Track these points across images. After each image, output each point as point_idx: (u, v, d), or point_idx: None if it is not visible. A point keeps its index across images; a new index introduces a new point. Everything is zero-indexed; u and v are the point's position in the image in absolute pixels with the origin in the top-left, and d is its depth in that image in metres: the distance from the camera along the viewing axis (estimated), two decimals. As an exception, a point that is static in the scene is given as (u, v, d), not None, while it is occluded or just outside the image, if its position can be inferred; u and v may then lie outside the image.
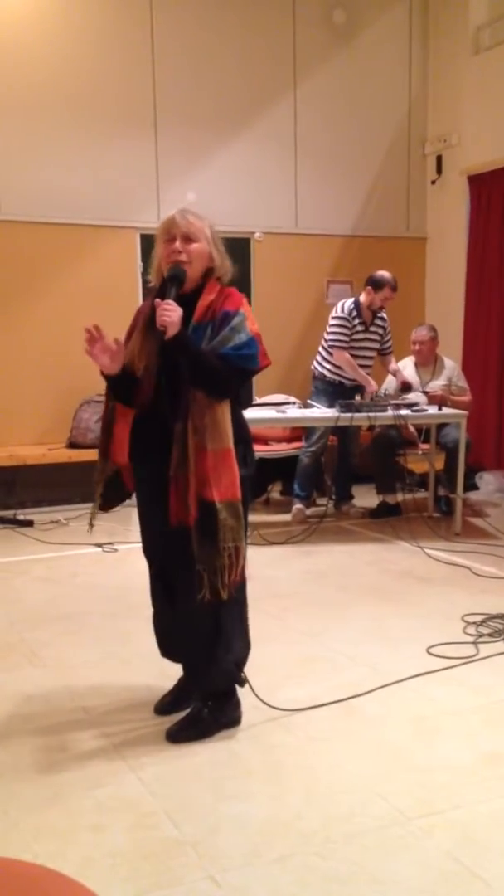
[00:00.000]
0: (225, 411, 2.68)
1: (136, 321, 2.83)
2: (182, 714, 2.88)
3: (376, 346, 6.19)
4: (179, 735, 2.77)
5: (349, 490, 6.41)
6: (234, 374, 2.68)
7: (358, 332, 6.04)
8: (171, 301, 2.61)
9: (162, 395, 2.71)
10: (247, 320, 2.70)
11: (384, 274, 6.01)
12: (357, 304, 6.04)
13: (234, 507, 2.65)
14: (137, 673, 3.29)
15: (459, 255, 7.57)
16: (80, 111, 6.65)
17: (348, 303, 6.07)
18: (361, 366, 6.05)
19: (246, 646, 2.90)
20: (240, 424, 2.80)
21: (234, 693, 2.88)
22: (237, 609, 2.83)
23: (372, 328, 6.12)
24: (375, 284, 6.00)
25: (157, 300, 2.62)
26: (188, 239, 2.70)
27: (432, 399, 5.86)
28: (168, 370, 2.69)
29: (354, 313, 6.01)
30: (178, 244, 2.69)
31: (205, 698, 2.85)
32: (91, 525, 3.00)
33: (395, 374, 6.17)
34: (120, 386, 2.75)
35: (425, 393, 5.99)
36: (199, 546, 2.63)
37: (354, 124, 7.61)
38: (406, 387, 5.94)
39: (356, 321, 6.02)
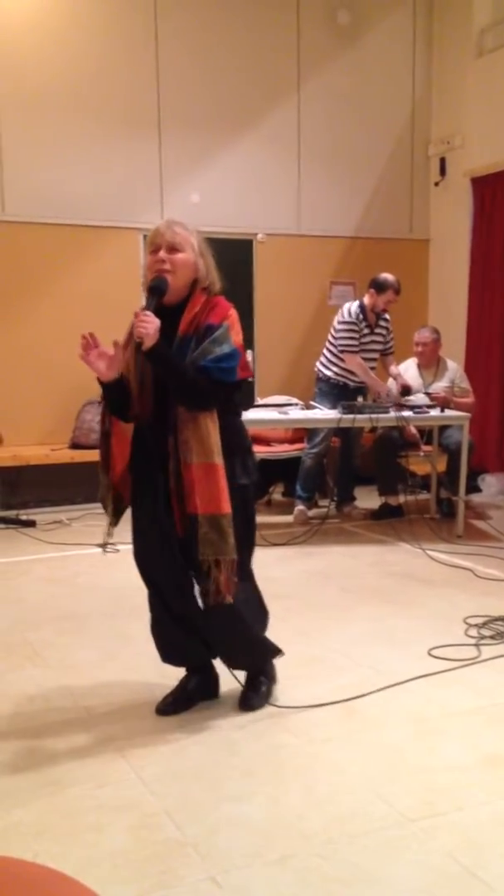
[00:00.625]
0: (210, 424, 2.67)
1: (131, 332, 2.79)
2: (183, 715, 2.91)
3: (380, 347, 6.20)
4: (254, 703, 2.94)
5: (351, 491, 6.41)
6: (213, 387, 2.68)
7: (364, 334, 6.06)
8: (148, 312, 2.61)
9: (157, 407, 2.72)
10: (231, 331, 2.70)
11: (388, 277, 6.02)
12: (362, 307, 6.05)
13: (216, 521, 2.66)
14: (139, 673, 3.29)
15: (462, 256, 7.56)
16: (84, 112, 6.65)
17: (354, 306, 6.07)
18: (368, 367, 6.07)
19: (265, 614, 3.02)
20: (235, 433, 2.81)
21: (274, 655, 3.04)
22: (249, 589, 2.93)
23: (377, 330, 6.13)
24: (379, 287, 6.00)
25: (136, 311, 2.63)
26: (173, 249, 2.71)
27: (435, 401, 5.86)
28: (158, 381, 2.71)
29: (361, 316, 6.02)
30: (161, 254, 2.71)
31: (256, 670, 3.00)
32: (106, 544, 3.03)
33: (395, 377, 6.17)
34: (115, 394, 2.74)
35: (428, 394, 5.99)
36: (185, 559, 2.74)
37: (358, 126, 7.61)
38: (406, 391, 5.94)
39: (363, 324, 6.03)
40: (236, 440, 2.81)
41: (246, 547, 2.87)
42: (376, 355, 6.20)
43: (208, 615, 2.81)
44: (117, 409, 2.77)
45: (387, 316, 6.20)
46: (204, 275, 2.75)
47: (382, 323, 6.17)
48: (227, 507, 2.67)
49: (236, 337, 2.72)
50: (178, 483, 2.69)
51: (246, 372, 2.79)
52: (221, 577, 2.69)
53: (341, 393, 6.02)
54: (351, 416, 5.44)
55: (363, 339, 6.05)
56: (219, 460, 2.66)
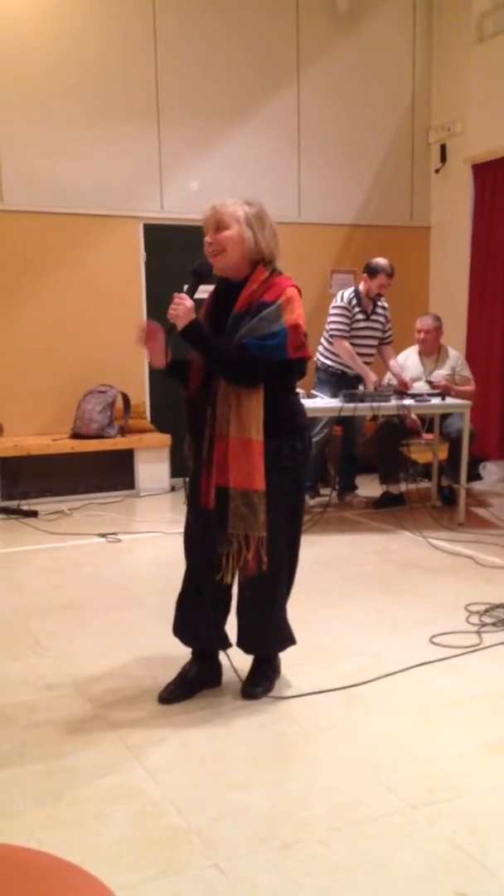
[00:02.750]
0: (253, 401, 2.69)
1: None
2: (187, 702, 2.92)
3: (378, 334, 6.17)
4: (257, 691, 2.94)
5: (353, 480, 6.41)
6: (253, 364, 2.69)
7: (359, 320, 6.03)
8: (182, 295, 2.67)
9: (204, 380, 2.79)
10: (283, 309, 2.70)
11: (380, 261, 5.99)
12: (357, 293, 6.03)
13: (248, 497, 2.68)
14: (142, 662, 3.30)
15: (463, 243, 7.54)
16: (83, 101, 6.63)
17: (348, 292, 6.06)
18: (363, 354, 6.05)
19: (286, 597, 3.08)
20: (288, 412, 2.83)
21: (287, 644, 3.07)
22: (290, 574, 2.99)
23: (373, 317, 6.10)
24: (371, 271, 5.98)
25: (175, 294, 2.68)
26: (218, 228, 2.73)
27: (436, 389, 5.85)
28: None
29: (354, 301, 6.00)
30: (208, 237, 2.75)
31: (264, 657, 3.03)
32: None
33: (396, 375, 6.12)
34: (173, 375, 2.84)
35: (430, 383, 5.98)
36: (216, 530, 2.74)
37: (358, 113, 7.58)
38: (403, 388, 5.84)
39: (356, 310, 6.01)
40: (286, 420, 2.81)
41: (289, 529, 2.88)
42: (374, 342, 6.17)
43: (242, 586, 2.86)
44: (185, 383, 2.86)
45: (385, 304, 6.18)
46: (252, 246, 2.73)
47: (380, 311, 6.15)
48: (261, 483, 2.68)
49: (289, 316, 2.70)
50: (209, 454, 2.72)
51: (301, 352, 2.75)
52: (250, 553, 2.71)
53: (341, 381, 6.01)
54: (352, 404, 5.43)
55: (357, 326, 6.03)
56: (258, 437, 2.68)
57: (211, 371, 2.76)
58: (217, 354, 2.70)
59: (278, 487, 2.75)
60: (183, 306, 2.65)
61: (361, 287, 6.04)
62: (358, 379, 6.04)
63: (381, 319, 6.17)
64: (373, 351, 6.18)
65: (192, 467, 2.88)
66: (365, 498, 6.29)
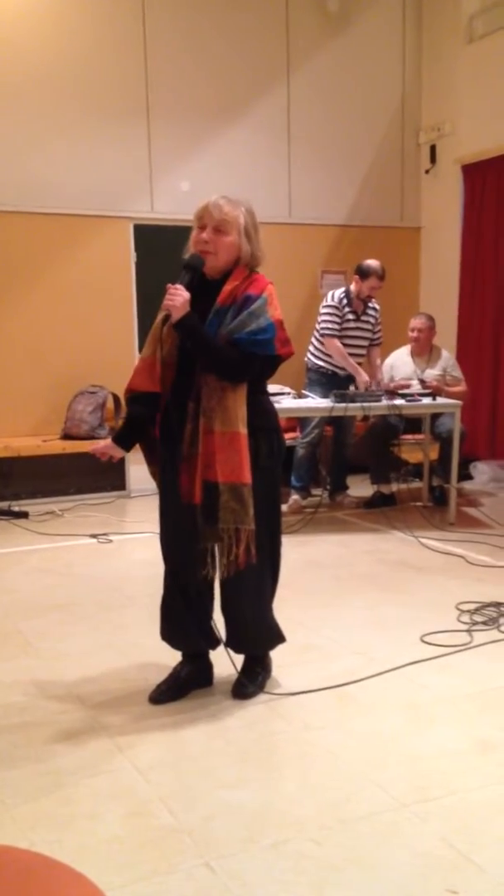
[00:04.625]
0: (237, 395, 2.70)
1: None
2: (176, 703, 2.92)
3: (368, 335, 6.18)
4: (248, 691, 2.94)
5: (344, 480, 6.42)
6: (246, 360, 2.69)
7: (349, 320, 6.04)
8: (178, 286, 2.66)
9: (179, 377, 2.76)
10: (268, 305, 2.72)
11: (371, 263, 6.00)
12: (348, 294, 6.04)
13: (237, 490, 2.67)
14: (133, 663, 3.30)
15: (453, 244, 7.56)
16: (72, 100, 6.62)
17: (339, 292, 6.07)
18: (353, 355, 6.05)
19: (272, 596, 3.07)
20: (263, 412, 2.83)
21: (277, 642, 3.07)
22: (273, 571, 2.98)
23: (363, 317, 6.12)
24: (362, 273, 5.98)
25: (168, 285, 2.67)
26: (218, 230, 2.72)
27: (427, 389, 5.87)
28: (184, 351, 2.74)
29: (345, 302, 6.01)
30: (206, 234, 2.72)
31: (254, 656, 3.03)
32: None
33: (378, 382, 6.11)
34: (135, 433, 2.93)
35: (422, 382, 5.99)
36: (203, 525, 2.71)
37: (348, 113, 7.59)
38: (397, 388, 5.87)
39: (346, 310, 6.02)
40: (262, 420, 2.82)
41: (270, 529, 2.88)
42: (364, 343, 6.17)
43: (225, 586, 2.85)
44: (148, 424, 2.89)
45: (376, 305, 6.19)
46: (247, 255, 2.76)
47: (371, 312, 6.16)
48: (248, 477, 2.68)
49: (274, 311, 2.73)
50: (191, 448, 2.71)
51: (286, 348, 2.79)
52: (240, 547, 2.71)
53: (331, 381, 6.02)
54: (342, 404, 5.44)
55: (347, 326, 6.03)
56: (243, 430, 2.68)
57: (191, 366, 2.73)
58: (210, 349, 2.69)
59: (258, 487, 2.75)
60: (180, 297, 2.64)
61: (353, 288, 6.05)
62: (349, 380, 6.05)
63: (372, 321, 6.18)
64: (362, 352, 6.19)
65: (161, 467, 2.87)
66: (356, 498, 6.30)
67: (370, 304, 6.15)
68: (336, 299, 6.01)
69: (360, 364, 6.12)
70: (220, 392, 2.69)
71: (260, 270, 2.83)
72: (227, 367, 2.70)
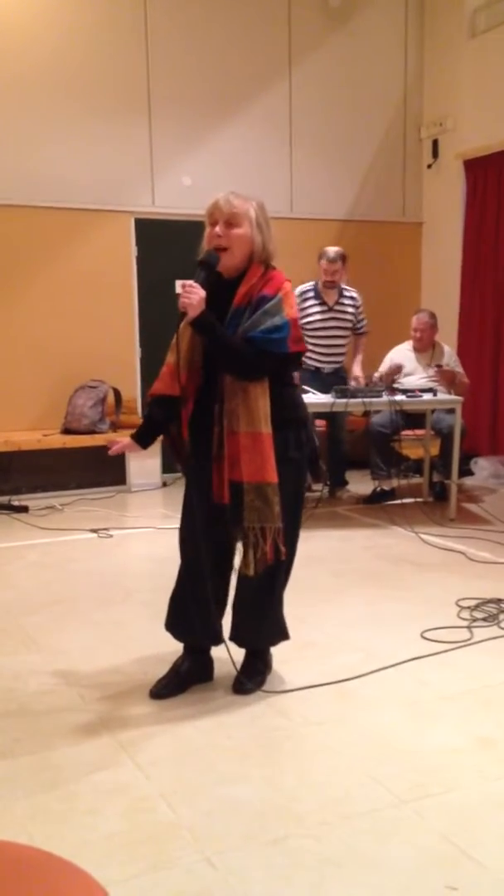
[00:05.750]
0: (259, 394, 2.71)
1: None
2: (177, 698, 2.92)
3: (347, 325, 6.07)
4: (248, 686, 2.94)
5: (343, 475, 6.41)
6: (260, 358, 2.70)
7: (314, 313, 5.93)
8: (194, 283, 2.65)
9: (207, 378, 2.78)
10: (284, 303, 2.73)
11: (325, 248, 5.90)
12: (315, 285, 5.97)
13: (262, 490, 2.70)
14: (132, 657, 3.30)
15: (455, 239, 7.55)
16: (74, 94, 6.60)
17: (305, 284, 5.98)
18: (329, 346, 5.99)
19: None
20: (289, 405, 2.84)
21: (281, 638, 3.08)
22: (288, 565, 2.98)
23: (336, 307, 6.01)
24: (318, 258, 5.89)
25: (183, 282, 2.66)
26: (229, 224, 2.72)
27: (442, 376, 5.87)
28: (206, 352, 2.76)
29: (309, 294, 5.91)
30: (218, 229, 2.72)
31: (256, 652, 3.04)
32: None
33: (356, 378, 6.09)
34: (153, 433, 2.98)
35: (439, 366, 5.98)
36: (232, 525, 2.76)
37: (350, 108, 7.57)
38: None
39: (309, 303, 5.92)
40: (290, 412, 2.83)
41: (293, 521, 2.89)
42: (342, 333, 6.06)
43: (243, 577, 2.86)
44: (170, 425, 2.92)
45: (354, 294, 6.09)
46: (260, 249, 2.76)
47: (346, 301, 6.05)
48: (273, 476, 2.70)
49: (289, 310, 2.74)
50: (220, 450, 2.73)
51: (299, 346, 2.80)
52: (267, 544, 2.73)
53: (316, 377, 5.96)
54: (344, 400, 5.43)
55: (312, 318, 5.89)
56: (266, 429, 2.69)
57: (214, 368, 2.75)
58: (226, 347, 2.69)
59: (285, 478, 2.77)
60: (197, 295, 2.63)
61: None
62: (334, 375, 6.01)
63: (350, 309, 6.06)
64: (342, 342, 6.09)
65: (193, 464, 2.87)
66: (356, 494, 6.29)
67: (346, 294, 6.06)
68: (298, 291, 5.84)
69: (341, 356, 6.06)
70: (241, 393, 2.70)
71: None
72: (242, 365, 2.70)
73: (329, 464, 6.40)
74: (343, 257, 5.90)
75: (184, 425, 2.82)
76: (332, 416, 6.05)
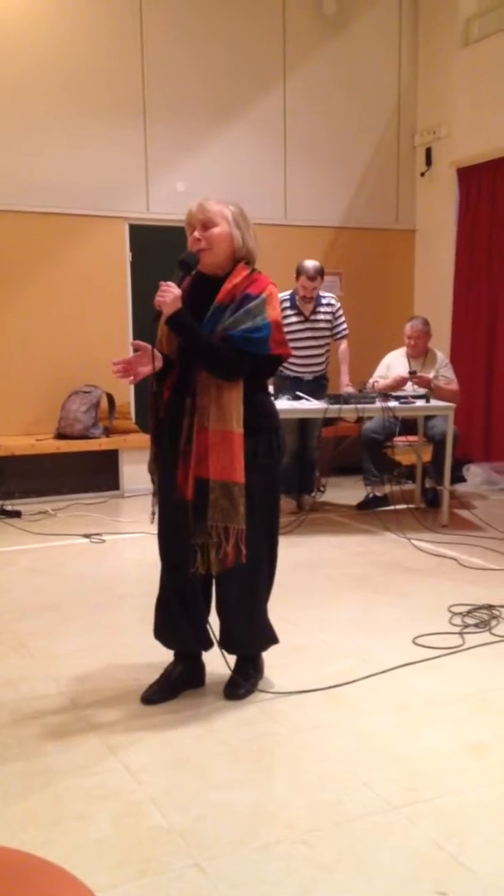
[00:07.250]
0: (233, 393, 2.71)
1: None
2: (168, 703, 2.92)
3: (324, 334, 6.04)
4: (240, 692, 2.93)
5: (311, 484, 6.22)
6: (237, 357, 2.70)
7: (293, 323, 5.89)
8: (170, 283, 2.67)
9: (181, 372, 2.78)
10: (267, 305, 2.73)
11: (303, 262, 5.86)
12: (292, 296, 5.96)
13: (228, 488, 2.68)
14: (124, 663, 3.29)
15: (448, 247, 7.58)
16: (69, 100, 6.62)
17: (283, 294, 5.95)
18: (308, 356, 5.96)
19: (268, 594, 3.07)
20: (262, 412, 2.83)
21: (269, 643, 3.08)
22: (269, 571, 2.98)
23: (313, 317, 5.98)
24: (297, 273, 5.88)
25: (161, 282, 2.68)
26: (206, 226, 2.75)
27: (419, 382, 5.86)
28: (182, 348, 2.76)
29: (286, 304, 5.85)
30: (196, 233, 2.76)
31: (246, 657, 3.03)
32: (154, 514, 2.98)
33: (345, 385, 6.06)
34: (161, 377, 2.82)
35: (412, 373, 5.95)
36: (193, 522, 2.73)
37: (344, 115, 7.60)
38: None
39: (289, 312, 5.87)
40: (262, 419, 2.82)
41: (267, 529, 2.89)
42: (320, 342, 6.03)
43: (220, 585, 2.86)
44: (163, 380, 2.83)
45: (332, 301, 6.05)
46: (241, 244, 2.78)
47: (324, 310, 6.01)
48: (241, 476, 2.69)
49: (273, 312, 2.74)
50: (187, 445, 2.72)
51: (282, 349, 2.79)
52: (229, 545, 2.71)
53: (295, 385, 5.92)
54: (337, 406, 5.43)
55: (291, 329, 5.81)
56: (238, 429, 2.69)
57: (189, 362, 2.75)
58: (201, 344, 2.69)
59: (256, 486, 2.76)
60: (171, 293, 2.65)
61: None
62: (315, 383, 5.98)
63: (327, 317, 6.02)
64: (321, 352, 6.05)
65: (160, 463, 2.87)
66: (343, 500, 6.29)
67: (323, 303, 6.02)
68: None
69: (321, 364, 6.04)
70: (214, 390, 2.70)
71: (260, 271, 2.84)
72: (218, 363, 2.70)
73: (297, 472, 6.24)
74: (321, 272, 5.89)
75: (166, 388, 2.79)
76: (302, 424, 6.00)
